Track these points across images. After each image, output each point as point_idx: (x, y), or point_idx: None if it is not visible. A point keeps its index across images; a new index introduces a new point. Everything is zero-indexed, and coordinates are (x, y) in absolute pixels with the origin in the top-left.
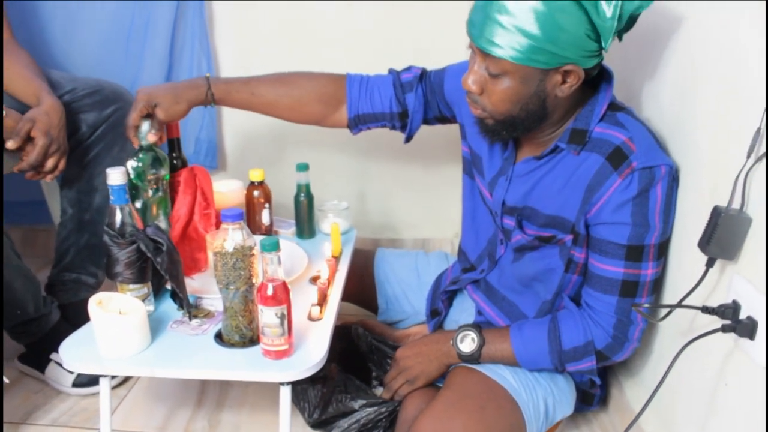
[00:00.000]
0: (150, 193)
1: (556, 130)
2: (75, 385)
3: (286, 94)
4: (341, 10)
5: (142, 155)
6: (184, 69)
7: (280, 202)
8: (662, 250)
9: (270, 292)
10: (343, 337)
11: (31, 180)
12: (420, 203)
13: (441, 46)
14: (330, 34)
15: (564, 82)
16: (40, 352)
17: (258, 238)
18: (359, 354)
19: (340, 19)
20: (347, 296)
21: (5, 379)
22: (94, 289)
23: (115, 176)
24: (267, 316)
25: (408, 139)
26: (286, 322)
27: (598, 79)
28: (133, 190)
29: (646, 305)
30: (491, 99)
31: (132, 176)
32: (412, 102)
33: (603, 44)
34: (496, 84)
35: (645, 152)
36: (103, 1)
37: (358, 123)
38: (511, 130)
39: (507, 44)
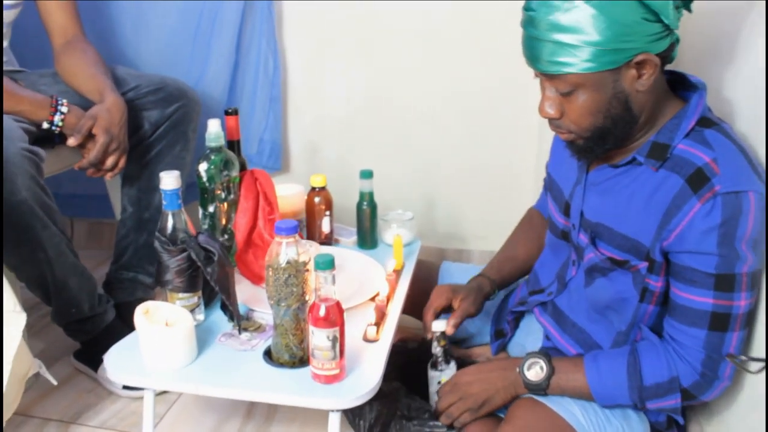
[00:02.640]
0: (222, 195)
1: (639, 138)
2: (126, 387)
3: (532, 247)
4: (411, 7)
5: (214, 157)
6: (250, 67)
7: (345, 207)
8: (756, 279)
9: (322, 313)
10: (402, 351)
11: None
12: (490, 214)
13: (509, 49)
14: (398, 32)
15: (641, 75)
16: (93, 351)
17: (314, 252)
18: (419, 363)
19: (409, 17)
20: (408, 309)
21: (53, 381)
22: (151, 288)
23: (169, 180)
24: (318, 339)
25: None
26: (338, 345)
27: (691, 91)
28: (204, 194)
29: (743, 358)
30: (572, 117)
31: (204, 179)
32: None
33: (665, 20)
34: (571, 101)
35: (731, 175)
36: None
37: None
38: (602, 144)
39: (568, 59)
